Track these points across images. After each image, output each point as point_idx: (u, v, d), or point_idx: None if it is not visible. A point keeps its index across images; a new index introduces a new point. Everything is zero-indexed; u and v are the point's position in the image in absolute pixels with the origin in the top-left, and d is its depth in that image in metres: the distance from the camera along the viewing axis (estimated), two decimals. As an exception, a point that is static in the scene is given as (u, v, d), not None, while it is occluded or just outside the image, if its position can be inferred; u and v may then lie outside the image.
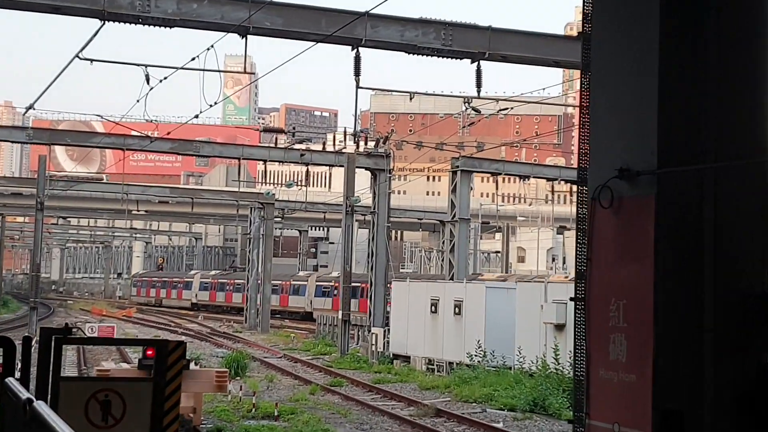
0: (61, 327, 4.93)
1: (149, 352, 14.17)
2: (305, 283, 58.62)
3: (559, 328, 23.53)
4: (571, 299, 8.69)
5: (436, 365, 27.95)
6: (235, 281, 65.93)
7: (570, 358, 21.78)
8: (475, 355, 25.60)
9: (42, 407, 3.14)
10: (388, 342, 31.15)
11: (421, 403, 20.76)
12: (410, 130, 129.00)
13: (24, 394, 3.54)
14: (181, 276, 78.70)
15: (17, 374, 4.87)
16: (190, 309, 68.51)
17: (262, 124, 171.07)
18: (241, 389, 21.28)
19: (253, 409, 19.24)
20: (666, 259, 7.53)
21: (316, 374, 27.95)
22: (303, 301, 57.94)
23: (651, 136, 7.67)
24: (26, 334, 5.04)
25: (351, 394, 23.01)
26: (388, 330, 31.48)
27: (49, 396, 4.72)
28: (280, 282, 59.37)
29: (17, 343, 5.09)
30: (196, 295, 71.26)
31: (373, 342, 31.56)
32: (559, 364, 21.96)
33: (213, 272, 76.14)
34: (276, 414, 18.77)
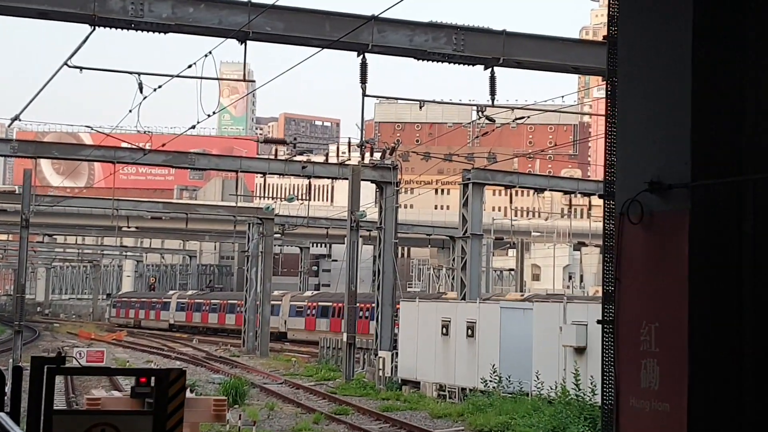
0: (54, 356, 4.85)
1: (143, 380, 14.03)
2: (279, 302, 59.59)
3: (580, 351, 23.41)
4: (598, 322, 8.58)
5: (448, 391, 27.80)
6: (211, 301, 68.92)
7: (592, 383, 21.66)
8: (490, 381, 25.46)
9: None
10: (396, 366, 31.01)
11: (432, 433, 20.62)
12: (417, 140, 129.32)
13: (16, 432, 3.46)
14: (159, 297, 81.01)
15: (6, 407, 4.78)
16: (168, 330, 70.93)
17: (260, 134, 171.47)
18: (240, 418, 21.17)
19: (253, 440, 19.12)
20: (701, 279, 7.43)
21: (319, 401, 27.82)
22: (277, 321, 58.95)
23: (684, 146, 7.59)
24: (17, 365, 4.93)
25: (358, 423, 22.88)
26: (396, 353, 31.34)
27: (41, 431, 4.64)
28: None
29: (2, 368, 4.97)
30: (173, 316, 73.50)
31: (380, 366, 31.43)
32: (580, 390, 21.82)
33: (190, 292, 78.39)
34: (278, 445, 18.64)
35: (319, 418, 23.18)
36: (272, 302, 58.96)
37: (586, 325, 23.45)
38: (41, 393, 4.74)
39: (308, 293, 61.90)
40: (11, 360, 35.68)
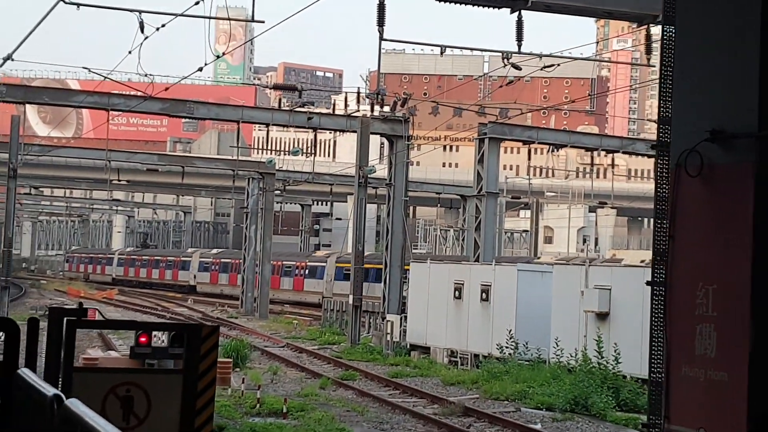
0: (75, 307, 4.60)
1: (142, 339, 13.86)
2: (190, 259, 72.58)
3: (602, 317, 23.29)
4: (648, 283, 8.34)
5: (460, 358, 27.72)
6: (142, 257, 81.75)
7: (615, 351, 21.54)
8: (506, 347, 25.33)
9: (78, 407, 2.80)
10: (404, 331, 30.92)
11: (446, 401, 20.53)
12: (425, 93, 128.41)
13: (49, 390, 3.20)
14: (104, 252, 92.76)
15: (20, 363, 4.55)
16: (112, 283, 79.80)
17: (258, 85, 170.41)
18: (243, 382, 21.06)
19: (258, 405, 19.02)
20: (767, 237, 7.16)
21: (324, 366, 27.76)
22: (187, 275, 71.64)
23: (750, 91, 7.29)
24: (33, 316, 4.67)
25: (366, 388, 22.81)
26: (405, 317, 31.23)
27: (59, 390, 4.39)
28: (174, 258, 75.94)
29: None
30: (115, 271, 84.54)
31: (388, 331, 31.33)
32: (602, 357, 21.70)
33: (128, 249, 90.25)
34: (284, 411, 18.53)
35: (326, 383, 23.08)
36: (184, 258, 73.28)
37: (610, 289, 23.30)
38: (60, 348, 4.50)
39: (214, 251, 73.90)
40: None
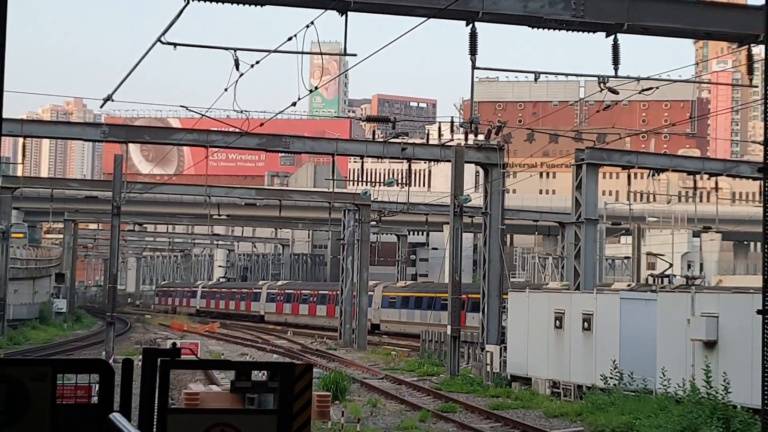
0: (169, 347, 4.60)
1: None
2: (260, 290, 76.85)
3: (710, 345, 22.56)
4: (759, 312, 8.00)
5: (563, 389, 27.17)
6: (221, 290, 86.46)
7: (725, 380, 20.79)
8: (610, 377, 24.73)
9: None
10: (504, 361, 30.50)
11: (549, 433, 20.10)
12: (519, 120, 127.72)
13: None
14: (189, 286, 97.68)
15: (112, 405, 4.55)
16: (196, 315, 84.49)
17: (353, 117, 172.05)
18: (342, 415, 21.01)
19: (358, 439, 18.92)
20: None
21: (424, 398, 27.55)
22: (258, 306, 76.20)
23: None
24: (126, 357, 4.69)
25: (467, 421, 22.52)
26: (505, 348, 30.83)
27: None
28: (247, 290, 79.92)
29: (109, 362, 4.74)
30: (199, 303, 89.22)
31: (488, 361, 30.96)
32: (711, 387, 20.96)
33: (210, 283, 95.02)
34: (384, 444, 18.39)
35: (426, 416, 22.88)
36: (255, 290, 76.90)
37: (717, 317, 22.57)
38: (155, 389, 4.49)
39: (280, 282, 78.76)
40: (104, 353, 36.45)
